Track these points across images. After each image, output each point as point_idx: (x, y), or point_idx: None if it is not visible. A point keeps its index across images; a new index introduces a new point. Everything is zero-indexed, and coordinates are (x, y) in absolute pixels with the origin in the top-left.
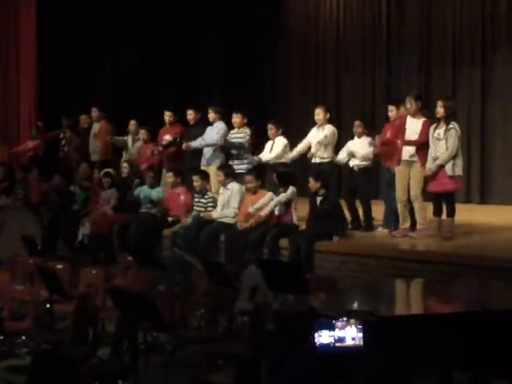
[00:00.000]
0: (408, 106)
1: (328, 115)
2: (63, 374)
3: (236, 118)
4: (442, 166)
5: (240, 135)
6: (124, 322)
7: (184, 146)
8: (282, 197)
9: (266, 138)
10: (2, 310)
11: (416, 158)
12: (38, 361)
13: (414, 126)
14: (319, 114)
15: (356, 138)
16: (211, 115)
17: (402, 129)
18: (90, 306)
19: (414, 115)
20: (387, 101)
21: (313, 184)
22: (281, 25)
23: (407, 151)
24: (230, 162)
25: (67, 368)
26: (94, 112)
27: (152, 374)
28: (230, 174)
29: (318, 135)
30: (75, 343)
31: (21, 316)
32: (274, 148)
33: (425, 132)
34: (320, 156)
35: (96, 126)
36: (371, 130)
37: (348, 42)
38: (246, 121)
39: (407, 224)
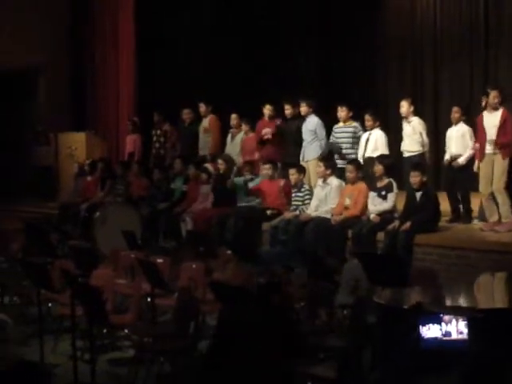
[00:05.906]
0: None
1: (412, 108)
2: None
3: (341, 112)
4: None
5: (348, 129)
6: (225, 315)
7: None
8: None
9: None
10: (106, 303)
11: (497, 151)
12: None
13: (491, 119)
14: (403, 106)
15: (453, 126)
16: (304, 108)
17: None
18: (192, 299)
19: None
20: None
21: (417, 179)
22: (376, 16)
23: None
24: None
25: None
26: (202, 107)
27: None
28: (330, 167)
29: (406, 128)
30: (177, 336)
31: (123, 309)
32: (371, 140)
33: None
34: (408, 150)
35: (205, 121)
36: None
37: (445, 31)
38: (351, 114)
39: (495, 217)
